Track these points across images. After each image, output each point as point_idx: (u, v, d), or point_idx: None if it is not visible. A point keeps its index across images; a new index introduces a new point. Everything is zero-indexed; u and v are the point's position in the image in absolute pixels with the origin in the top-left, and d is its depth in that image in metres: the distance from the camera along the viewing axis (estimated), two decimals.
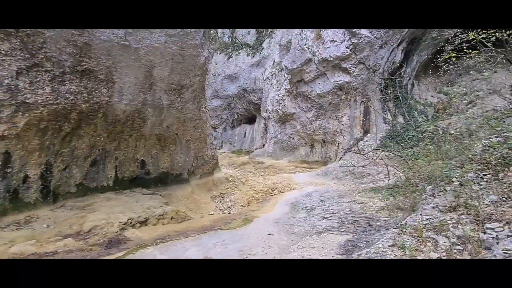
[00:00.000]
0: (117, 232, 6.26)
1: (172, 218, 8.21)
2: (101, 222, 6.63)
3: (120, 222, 6.66)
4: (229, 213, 10.06)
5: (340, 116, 16.13)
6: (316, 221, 5.91)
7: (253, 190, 12.55)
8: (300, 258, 4.32)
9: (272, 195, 11.53)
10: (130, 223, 7.01)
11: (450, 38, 6.73)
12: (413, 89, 16.55)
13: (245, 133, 29.46)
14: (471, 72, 18.41)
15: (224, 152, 29.57)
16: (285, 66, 17.51)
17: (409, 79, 16.37)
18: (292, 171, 18.01)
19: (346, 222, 5.49)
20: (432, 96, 17.28)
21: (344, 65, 14.29)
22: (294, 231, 5.56)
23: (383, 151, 9.40)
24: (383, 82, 14.70)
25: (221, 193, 12.84)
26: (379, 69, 14.24)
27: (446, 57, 5.76)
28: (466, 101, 16.36)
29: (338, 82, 15.00)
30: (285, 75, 19.89)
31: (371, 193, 8.04)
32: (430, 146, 5.38)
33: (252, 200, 11.26)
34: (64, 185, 8.27)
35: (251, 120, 29.58)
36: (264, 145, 24.98)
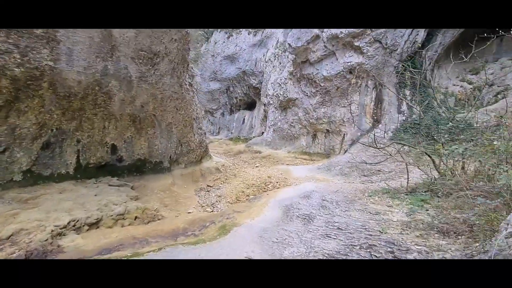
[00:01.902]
0: (46, 240, 4.67)
1: (136, 218, 6.63)
2: (32, 224, 5.04)
3: (56, 226, 5.06)
4: (211, 211, 8.48)
5: (347, 103, 14.24)
6: (314, 240, 4.25)
7: (245, 184, 10.95)
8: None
9: (265, 191, 9.92)
10: (74, 225, 5.41)
11: None
12: (433, 75, 14.53)
13: (244, 119, 27.63)
14: (500, 59, 16.28)
15: (221, 139, 27.91)
16: (289, 44, 15.46)
17: (429, 64, 14.33)
18: (291, 163, 16.36)
19: (358, 246, 3.82)
20: (454, 85, 15.27)
21: (357, 43, 12.27)
22: (282, 254, 3.92)
23: (404, 145, 7.63)
24: (401, 65, 12.70)
25: (208, 186, 11.25)
26: (397, 49, 12.23)
27: None
28: (494, 92, 14.36)
29: (349, 63, 13.02)
30: (289, 56, 17.84)
31: (386, 197, 6.34)
32: (495, 143, 3.71)
33: (241, 196, 9.67)
34: (4, 171, 6.65)
35: (250, 105, 27.69)
36: (263, 133, 23.24)
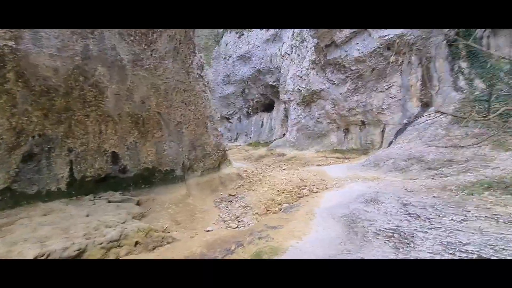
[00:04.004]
0: None
1: (136, 243, 4.89)
2: None
3: None
4: (236, 227, 6.62)
5: (386, 87, 11.99)
6: None
7: (274, 190, 8.98)
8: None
9: (300, 197, 7.91)
10: None
11: None
12: (490, 42, 11.94)
13: (262, 122, 25.83)
14: None
15: (240, 145, 26.21)
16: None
17: (484, 30, 11.79)
18: (322, 163, 14.19)
19: None
20: None
21: None
22: None
23: None
24: (453, 33, 10.37)
25: (230, 195, 9.42)
26: None
27: None
28: None
29: (386, 37, 10.87)
30: (308, 44, 15.93)
31: (500, 194, 4.13)
32: None
33: (271, 205, 7.71)
34: None
35: (268, 107, 25.89)
36: (284, 134, 21.26)
